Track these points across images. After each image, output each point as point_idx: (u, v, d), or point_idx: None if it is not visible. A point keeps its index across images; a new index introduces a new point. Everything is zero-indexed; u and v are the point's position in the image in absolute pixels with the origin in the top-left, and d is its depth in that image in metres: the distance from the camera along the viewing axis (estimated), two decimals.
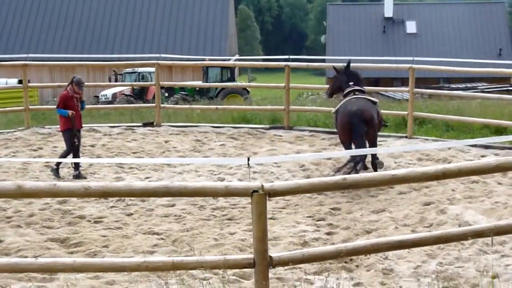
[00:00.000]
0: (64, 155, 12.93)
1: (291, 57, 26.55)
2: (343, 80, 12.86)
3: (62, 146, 15.29)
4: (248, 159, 7.64)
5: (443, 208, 10.02)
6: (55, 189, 5.86)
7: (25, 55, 38.17)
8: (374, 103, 12.42)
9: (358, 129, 11.72)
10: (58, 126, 13.79)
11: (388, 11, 58.45)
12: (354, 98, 12.29)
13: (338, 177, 6.40)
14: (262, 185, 5.98)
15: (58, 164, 12.82)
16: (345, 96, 12.61)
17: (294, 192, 6.50)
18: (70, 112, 12.77)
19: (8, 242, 8.91)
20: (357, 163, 11.50)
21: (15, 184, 5.84)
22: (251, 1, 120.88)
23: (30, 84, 17.69)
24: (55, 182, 6.02)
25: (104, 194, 6.19)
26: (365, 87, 13.10)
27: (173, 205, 10.78)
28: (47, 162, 13.35)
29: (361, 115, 11.78)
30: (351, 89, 12.60)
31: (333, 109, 12.99)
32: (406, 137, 15.97)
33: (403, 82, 44.54)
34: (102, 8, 50.66)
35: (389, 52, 53.66)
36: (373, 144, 12.09)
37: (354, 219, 9.84)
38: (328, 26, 60.14)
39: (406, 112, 16.61)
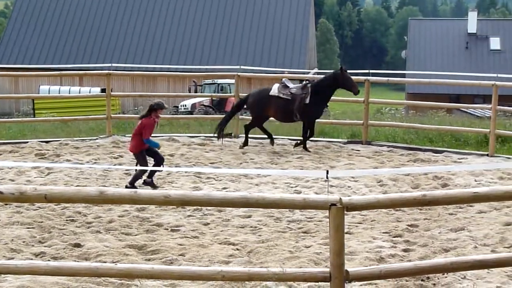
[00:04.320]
0: (140, 174, 12.66)
1: (371, 71, 26.35)
2: None
3: None
4: (327, 172, 7.57)
5: None
6: (135, 196, 5.96)
7: (109, 65, 39.02)
8: None
9: None
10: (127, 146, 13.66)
11: (472, 27, 57.51)
12: None
13: (418, 193, 6.32)
14: (341, 199, 5.95)
15: (150, 176, 12.81)
16: None
17: (372, 207, 6.43)
18: (160, 144, 13.12)
19: (88, 247, 9.09)
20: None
21: (98, 190, 5.97)
22: (331, 14, 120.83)
23: (112, 93, 18.06)
24: (136, 190, 6.12)
25: (183, 202, 6.25)
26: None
27: (249, 216, 10.81)
28: (127, 170, 13.59)
29: None
30: None
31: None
32: (487, 155, 15.67)
33: (485, 99, 43.71)
34: (184, 21, 51.43)
35: (471, 68, 52.74)
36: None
37: (432, 237, 9.66)
38: (409, 41, 59.60)
39: (488, 130, 16.30)
